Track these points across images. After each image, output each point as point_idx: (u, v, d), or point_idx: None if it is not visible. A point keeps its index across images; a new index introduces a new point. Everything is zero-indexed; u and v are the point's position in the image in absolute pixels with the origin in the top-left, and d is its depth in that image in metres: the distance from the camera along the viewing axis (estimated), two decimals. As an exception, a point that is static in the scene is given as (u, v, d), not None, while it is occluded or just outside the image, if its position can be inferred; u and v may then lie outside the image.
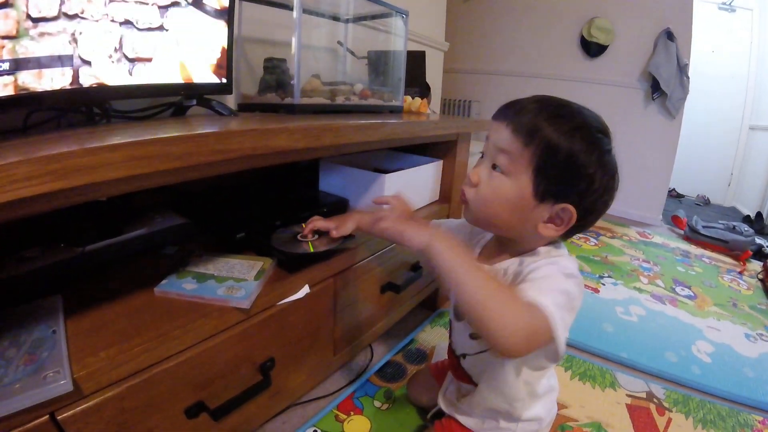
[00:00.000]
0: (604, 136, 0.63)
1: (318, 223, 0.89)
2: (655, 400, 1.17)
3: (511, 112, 0.65)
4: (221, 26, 0.97)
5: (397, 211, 0.80)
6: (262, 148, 0.68)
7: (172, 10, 0.87)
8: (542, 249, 0.70)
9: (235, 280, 0.79)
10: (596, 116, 0.65)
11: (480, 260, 0.76)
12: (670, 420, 1.09)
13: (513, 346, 0.53)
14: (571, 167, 0.61)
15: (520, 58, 3.30)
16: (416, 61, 1.64)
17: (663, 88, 2.79)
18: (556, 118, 0.61)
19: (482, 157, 0.71)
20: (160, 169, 0.55)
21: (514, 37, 3.29)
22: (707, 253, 2.54)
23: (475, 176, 0.68)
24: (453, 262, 0.58)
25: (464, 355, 0.83)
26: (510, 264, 0.70)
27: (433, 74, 2.27)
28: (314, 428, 0.99)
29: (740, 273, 2.26)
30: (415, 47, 1.89)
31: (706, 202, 4.06)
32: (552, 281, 0.60)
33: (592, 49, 2.98)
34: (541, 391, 0.79)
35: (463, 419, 0.85)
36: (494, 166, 0.66)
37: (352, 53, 1.47)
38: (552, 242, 0.71)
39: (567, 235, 0.69)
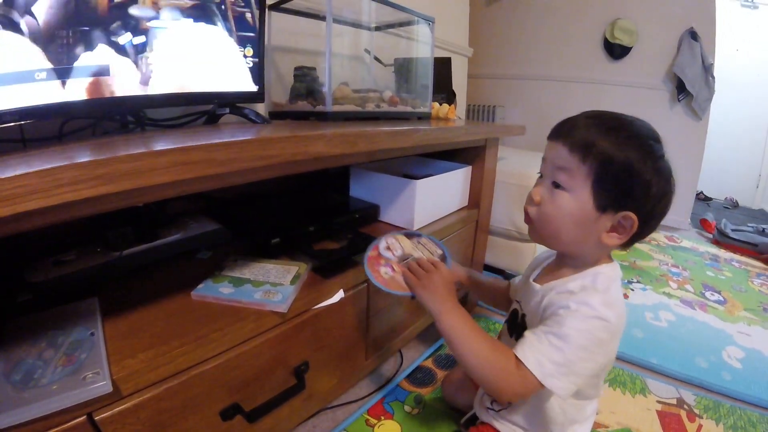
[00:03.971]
0: (656, 142, 0.65)
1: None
2: (685, 406, 1.15)
3: (564, 131, 0.68)
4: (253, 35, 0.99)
5: (435, 277, 0.82)
6: (302, 153, 0.69)
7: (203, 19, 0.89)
8: (599, 270, 0.70)
9: (271, 284, 0.80)
10: (647, 125, 0.67)
11: (539, 279, 0.78)
12: (700, 426, 1.08)
13: (509, 399, 0.70)
14: (627, 176, 0.63)
15: (543, 61, 3.25)
16: (442, 67, 1.64)
17: (688, 89, 2.73)
18: (608, 131, 0.64)
19: (540, 177, 0.74)
20: (204, 174, 0.56)
21: (537, 40, 3.24)
22: (736, 256, 2.49)
23: (536, 195, 0.71)
24: (451, 332, 0.72)
25: None
26: (555, 285, 0.72)
27: (458, 80, 2.27)
28: (344, 432, 0.99)
29: (771, 277, 2.19)
30: (439, 53, 1.89)
31: (735, 205, 3.95)
32: (565, 339, 0.63)
33: (615, 51, 2.92)
34: (581, 418, 0.79)
35: (501, 427, 0.83)
36: (555, 185, 0.68)
37: (380, 61, 1.48)
38: (608, 262, 0.73)
39: (629, 243, 0.70)
